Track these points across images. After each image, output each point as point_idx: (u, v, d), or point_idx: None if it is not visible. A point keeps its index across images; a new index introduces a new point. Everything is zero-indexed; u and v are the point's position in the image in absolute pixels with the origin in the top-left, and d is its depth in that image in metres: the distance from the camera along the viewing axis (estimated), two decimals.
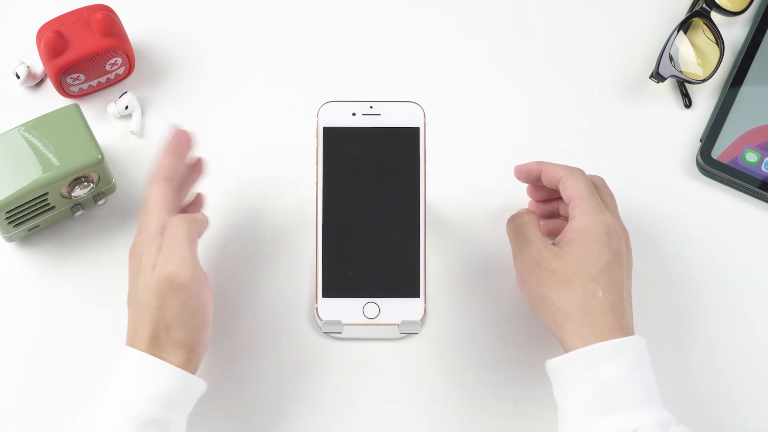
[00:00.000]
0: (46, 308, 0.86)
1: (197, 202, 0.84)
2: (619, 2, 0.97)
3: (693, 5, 0.96)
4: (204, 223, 0.79)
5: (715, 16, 0.95)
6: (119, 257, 0.86)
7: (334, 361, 0.85)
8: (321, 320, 0.82)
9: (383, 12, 0.96)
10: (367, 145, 0.82)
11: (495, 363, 0.85)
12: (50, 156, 0.82)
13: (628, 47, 0.95)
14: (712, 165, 0.90)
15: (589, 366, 0.74)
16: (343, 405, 0.84)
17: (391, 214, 0.82)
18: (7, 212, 0.82)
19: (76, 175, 0.83)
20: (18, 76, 0.91)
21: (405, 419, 0.84)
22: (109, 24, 0.87)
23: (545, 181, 0.82)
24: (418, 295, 0.82)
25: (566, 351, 0.75)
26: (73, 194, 0.84)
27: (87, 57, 0.87)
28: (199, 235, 0.78)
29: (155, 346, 0.74)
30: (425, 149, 0.82)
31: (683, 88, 0.94)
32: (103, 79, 0.91)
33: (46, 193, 0.83)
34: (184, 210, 0.83)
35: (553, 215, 0.86)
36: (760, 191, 0.90)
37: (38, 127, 0.83)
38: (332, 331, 0.83)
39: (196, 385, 0.75)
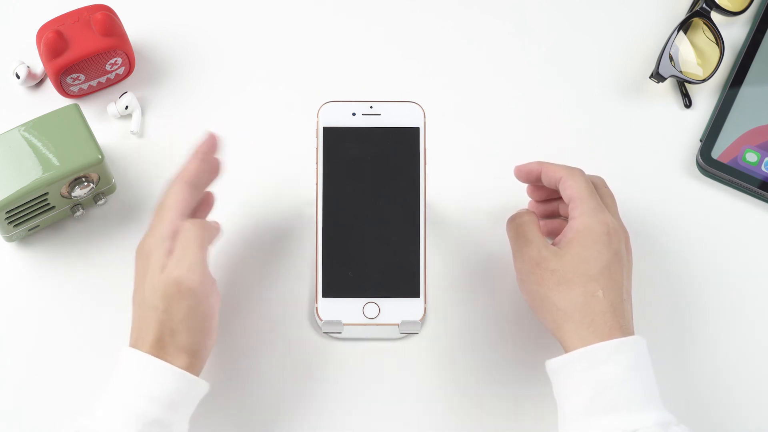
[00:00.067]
0: (46, 308, 0.86)
1: (207, 202, 0.83)
2: (619, 2, 0.97)
3: (693, 5, 0.96)
4: (216, 231, 0.79)
5: (715, 16, 0.95)
6: (119, 257, 0.86)
7: (334, 361, 0.85)
8: (321, 320, 0.82)
9: (383, 12, 0.96)
10: (367, 145, 0.82)
11: (495, 363, 0.85)
12: (50, 156, 0.82)
13: (628, 47, 0.95)
14: (712, 165, 0.90)
15: (589, 366, 0.74)
16: (343, 405, 0.84)
17: (391, 214, 0.82)
18: (7, 212, 0.82)
19: (76, 175, 0.83)
20: (18, 76, 0.91)
21: (405, 419, 0.84)
22: (109, 24, 0.87)
23: (545, 181, 0.82)
24: (418, 295, 0.82)
25: (566, 351, 0.75)
26: (73, 194, 0.84)
27: (87, 57, 0.87)
28: (211, 242, 0.78)
29: (159, 348, 0.74)
30: (425, 149, 0.82)
31: (683, 88, 0.94)
32: (103, 79, 0.91)
33: (46, 193, 0.83)
34: (195, 210, 0.83)
35: (553, 215, 0.86)
36: (760, 191, 0.90)
37: (38, 127, 0.83)
38: (332, 331, 0.83)
39: (198, 386, 0.75)
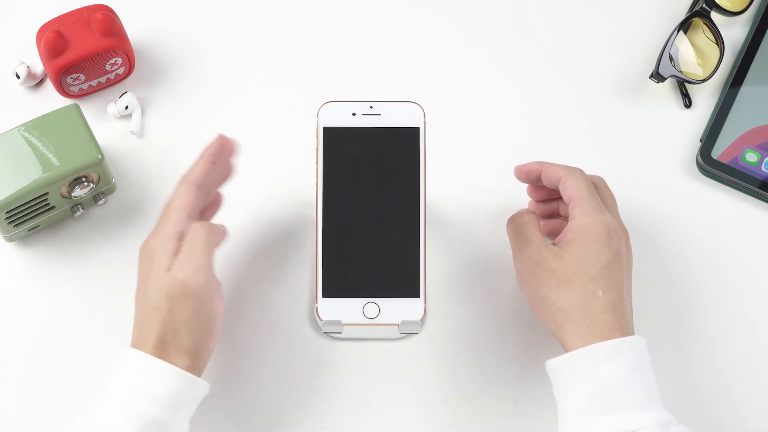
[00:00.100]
0: (46, 308, 0.86)
1: (216, 202, 0.83)
2: (619, 2, 0.97)
3: (693, 5, 0.96)
4: (223, 235, 0.79)
5: (715, 16, 0.95)
6: (119, 257, 0.86)
7: (334, 361, 0.85)
8: (321, 320, 0.82)
9: (383, 12, 0.96)
10: (367, 145, 0.82)
11: (495, 363, 0.85)
12: (50, 156, 0.82)
13: (628, 47, 0.95)
14: (712, 165, 0.90)
15: (588, 366, 0.74)
16: (343, 405, 0.84)
17: (391, 214, 0.82)
18: (7, 212, 0.82)
19: (76, 175, 0.83)
20: (18, 76, 0.91)
21: (405, 419, 0.84)
22: (109, 24, 0.87)
23: (545, 181, 0.82)
24: (418, 295, 0.82)
25: (566, 351, 0.75)
26: (73, 194, 0.84)
27: (87, 57, 0.87)
28: (218, 245, 0.78)
29: (162, 349, 0.74)
30: (425, 149, 0.82)
31: (683, 88, 0.94)
32: (103, 79, 0.91)
33: (46, 193, 0.83)
34: (203, 210, 0.83)
35: (553, 215, 0.86)
36: (760, 191, 0.90)
37: (38, 127, 0.83)
38: (332, 331, 0.83)
39: (199, 387, 0.75)
